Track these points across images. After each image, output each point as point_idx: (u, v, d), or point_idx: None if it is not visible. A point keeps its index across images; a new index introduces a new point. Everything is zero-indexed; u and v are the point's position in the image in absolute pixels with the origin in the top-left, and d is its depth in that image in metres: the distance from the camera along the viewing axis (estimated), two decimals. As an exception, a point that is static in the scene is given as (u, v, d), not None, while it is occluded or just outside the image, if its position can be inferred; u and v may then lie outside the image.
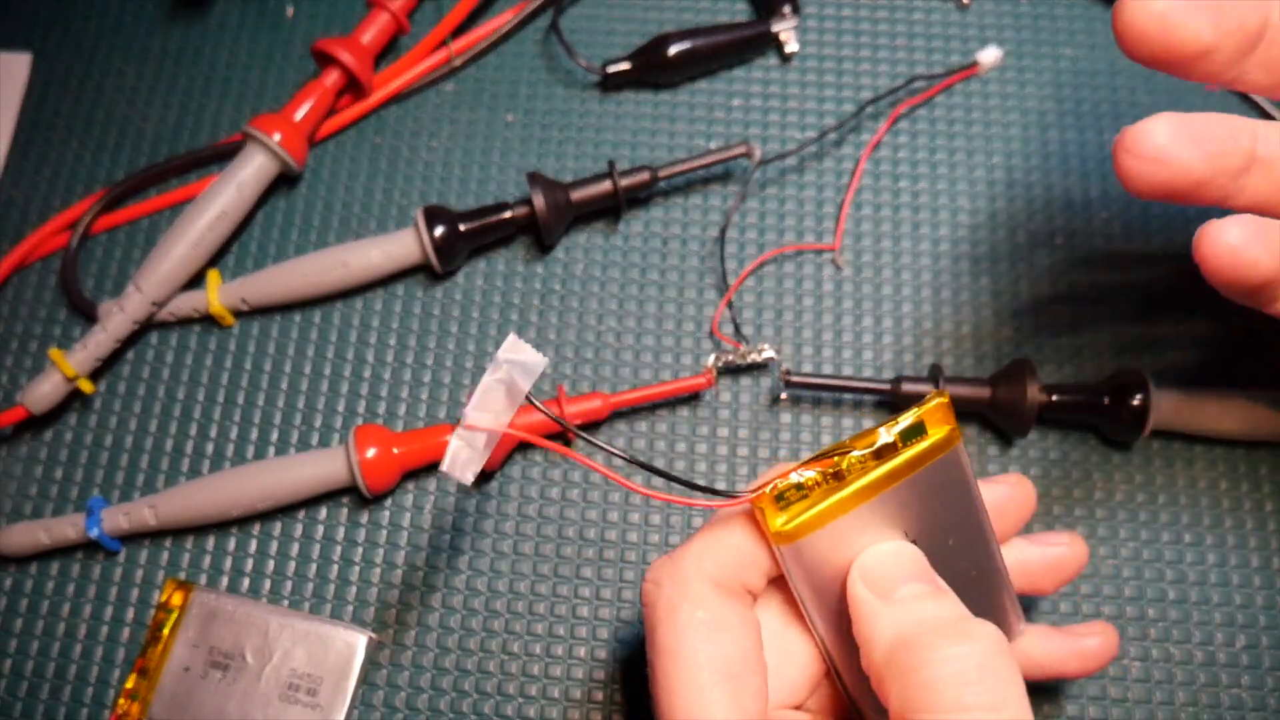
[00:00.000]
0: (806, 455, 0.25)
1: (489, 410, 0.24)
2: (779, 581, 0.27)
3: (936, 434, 0.25)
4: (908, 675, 0.23)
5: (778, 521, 0.24)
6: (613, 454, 0.25)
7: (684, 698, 0.24)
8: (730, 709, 0.24)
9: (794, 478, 0.24)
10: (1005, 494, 0.30)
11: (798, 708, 0.27)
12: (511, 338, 0.24)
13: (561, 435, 0.38)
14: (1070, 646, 0.31)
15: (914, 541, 0.26)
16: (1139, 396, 0.36)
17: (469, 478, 0.24)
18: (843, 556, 0.25)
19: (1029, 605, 0.36)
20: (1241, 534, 0.37)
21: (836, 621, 0.26)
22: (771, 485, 0.24)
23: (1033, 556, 0.31)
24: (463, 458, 0.24)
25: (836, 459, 0.24)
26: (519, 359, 0.24)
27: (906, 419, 0.24)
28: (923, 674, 0.22)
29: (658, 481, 0.37)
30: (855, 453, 0.24)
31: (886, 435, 0.24)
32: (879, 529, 0.25)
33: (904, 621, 0.24)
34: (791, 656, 0.27)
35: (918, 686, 0.22)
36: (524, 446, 0.38)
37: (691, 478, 0.38)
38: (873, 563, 0.25)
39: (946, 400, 0.25)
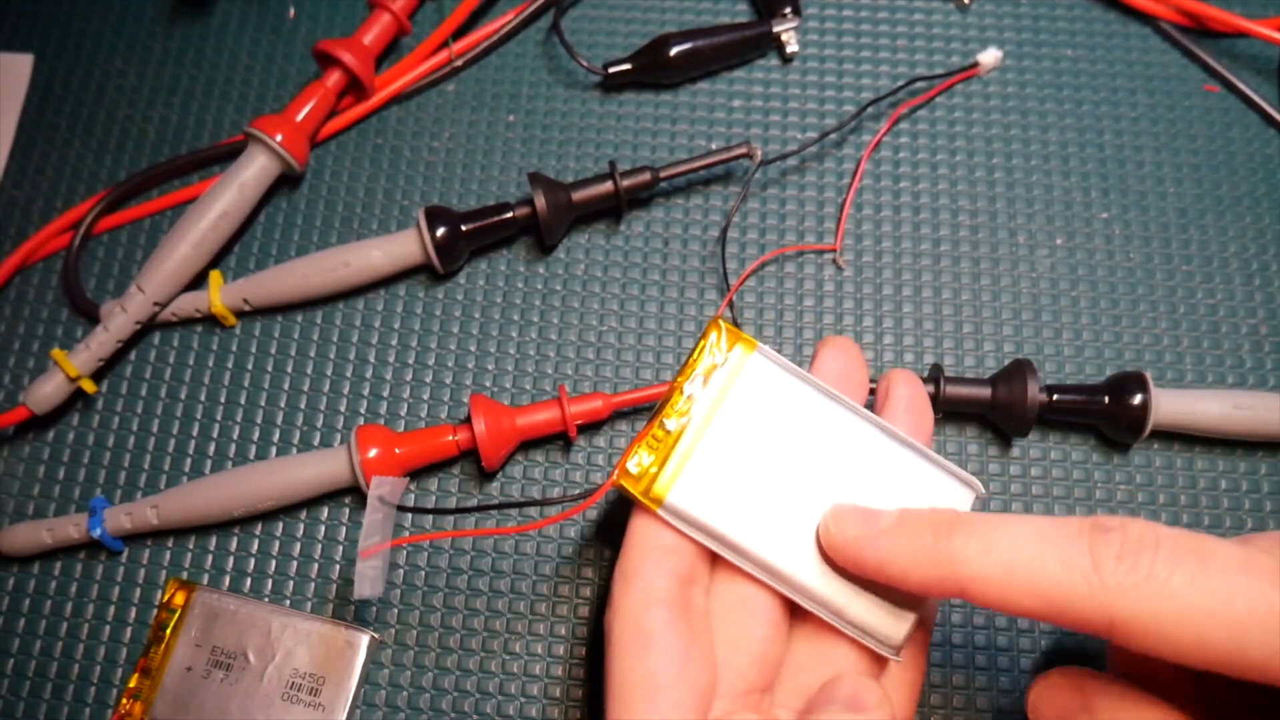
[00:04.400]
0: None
1: (375, 536, 0.30)
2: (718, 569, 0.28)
3: (732, 349, 0.27)
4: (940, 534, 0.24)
5: (641, 490, 0.27)
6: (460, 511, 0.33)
7: (616, 715, 0.26)
8: None
9: (637, 447, 0.27)
10: (836, 365, 0.30)
11: (763, 692, 0.28)
12: (376, 478, 0.31)
13: (560, 435, 0.38)
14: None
15: (785, 446, 0.27)
16: (1139, 396, 0.36)
17: (379, 591, 0.31)
18: (730, 492, 0.27)
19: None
20: (1240, 535, 0.37)
21: (757, 554, 0.27)
22: (619, 464, 0.27)
23: (896, 414, 0.30)
24: (370, 577, 0.30)
25: (663, 416, 0.27)
26: (385, 491, 0.31)
27: (699, 351, 0.28)
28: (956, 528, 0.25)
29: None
30: (675, 400, 0.27)
31: (691, 373, 0.27)
32: (742, 449, 0.27)
33: (903, 540, 0.25)
34: (737, 644, 0.27)
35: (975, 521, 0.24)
36: (525, 446, 0.38)
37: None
38: (827, 527, 0.27)
39: (718, 319, 0.28)
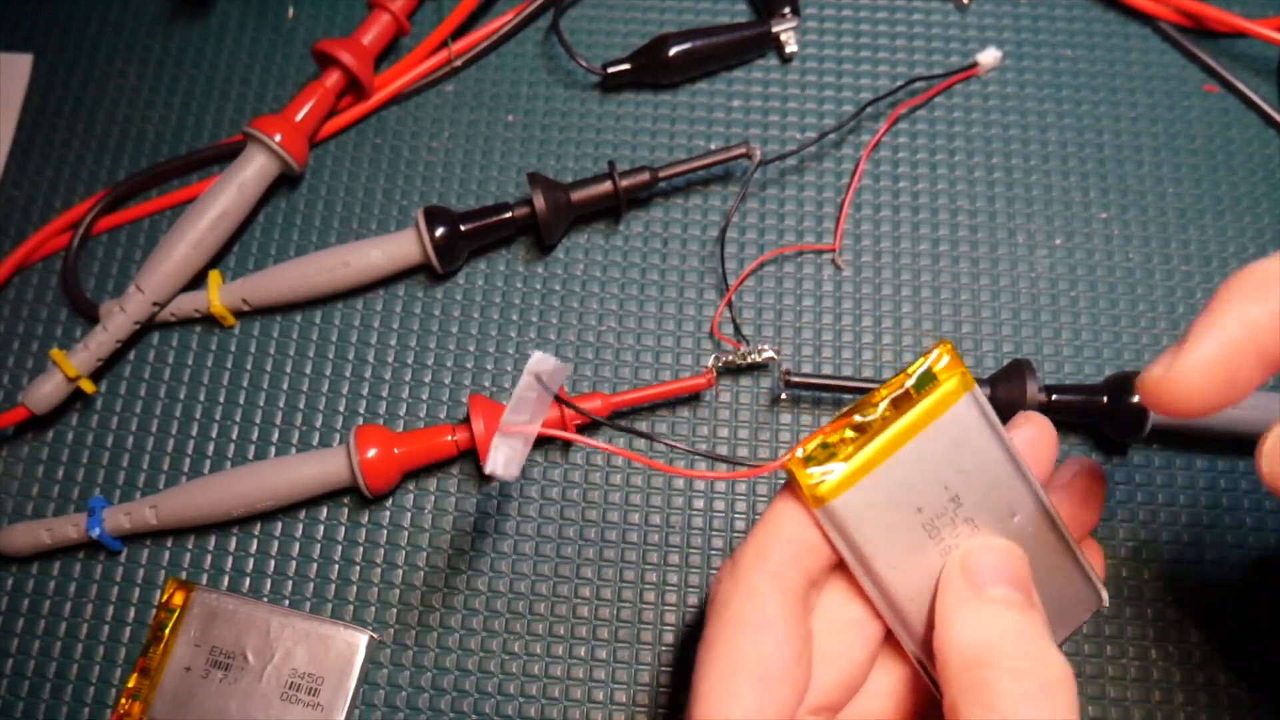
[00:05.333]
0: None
1: (523, 414, 0.27)
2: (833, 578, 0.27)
3: (948, 381, 0.25)
4: (970, 673, 0.23)
5: (811, 482, 0.25)
6: (639, 434, 0.28)
7: (713, 690, 0.25)
8: (753, 710, 0.24)
9: (820, 438, 0.25)
10: (1029, 436, 0.28)
11: (832, 712, 0.27)
12: (537, 353, 0.27)
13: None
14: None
15: (956, 496, 0.26)
16: (1138, 396, 0.36)
17: (513, 474, 0.26)
18: (888, 517, 0.26)
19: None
20: (1240, 534, 0.37)
21: (894, 591, 0.26)
22: (798, 447, 0.25)
23: (1064, 500, 0.29)
24: (504, 457, 0.26)
25: (857, 416, 0.25)
26: (545, 369, 0.26)
27: (917, 368, 0.25)
28: (986, 675, 0.23)
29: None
30: (874, 406, 0.25)
31: (900, 386, 0.25)
32: (918, 485, 0.26)
33: (984, 625, 0.24)
34: (832, 661, 0.26)
35: (979, 687, 0.23)
36: (524, 446, 0.38)
37: (691, 478, 0.38)
38: (975, 552, 0.26)
39: (950, 346, 0.26)
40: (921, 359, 0.25)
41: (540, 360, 0.26)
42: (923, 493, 0.26)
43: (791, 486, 0.26)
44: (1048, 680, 0.23)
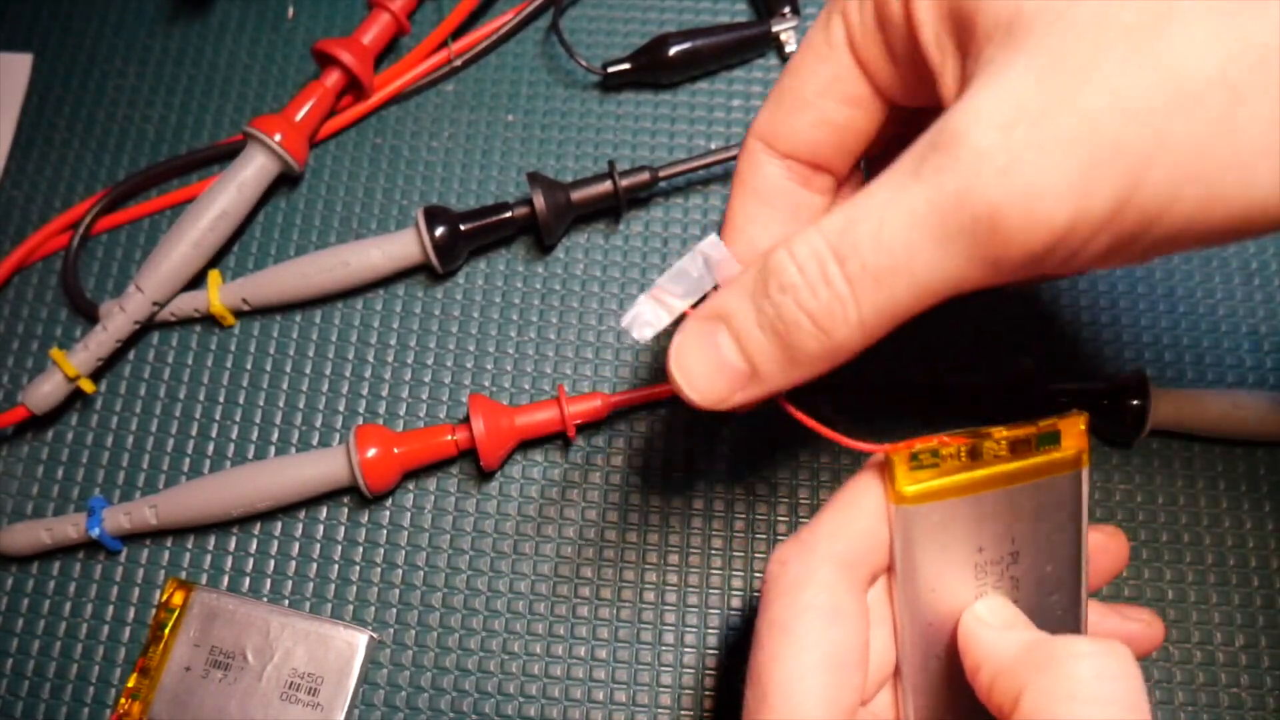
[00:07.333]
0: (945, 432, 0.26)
1: (677, 287, 0.26)
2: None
3: (1069, 449, 0.25)
4: (1046, 669, 0.23)
5: (903, 479, 0.25)
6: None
7: (785, 675, 0.24)
8: (826, 697, 0.24)
9: (936, 444, 0.25)
10: (1100, 544, 0.29)
11: (865, 704, 0.27)
12: (714, 237, 0.26)
13: (560, 435, 0.38)
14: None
15: (1016, 553, 0.26)
16: (1139, 396, 0.36)
17: (644, 337, 0.26)
18: (950, 543, 0.25)
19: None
20: (1240, 534, 0.37)
21: (921, 609, 0.26)
22: (910, 442, 0.25)
23: (1110, 627, 0.29)
24: (645, 318, 0.26)
25: (975, 440, 0.25)
26: (715, 255, 0.26)
27: (1047, 424, 0.25)
28: (1066, 667, 0.22)
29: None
30: (996, 441, 0.25)
31: (1026, 433, 0.25)
32: (990, 528, 0.25)
33: (1031, 635, 0.24)
34: (872, 655, 0.27)
35: (1061, 677, 0.22)
36: (524, 446, 0.38)
37: (691, 478, 0.38)
38: (986, 607, 0.26)
39: (1086, 419, 0.25)
40: (1056, 418, 0.25)
41: (714, 245, 0.26)
42: (991, 536, 0.26)
43: (880, 474, 0.25)
44: (1120, 652, 0.23)
